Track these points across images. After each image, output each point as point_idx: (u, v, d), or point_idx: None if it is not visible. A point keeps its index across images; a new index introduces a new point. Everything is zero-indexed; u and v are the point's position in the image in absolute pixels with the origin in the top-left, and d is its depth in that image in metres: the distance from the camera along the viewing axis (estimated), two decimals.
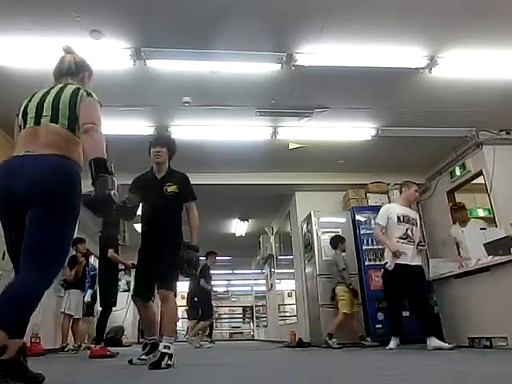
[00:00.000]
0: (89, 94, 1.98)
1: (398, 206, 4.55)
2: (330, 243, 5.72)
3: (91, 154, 1.80)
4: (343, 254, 5.64)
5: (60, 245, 1.81)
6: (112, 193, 1.74)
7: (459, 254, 5.24)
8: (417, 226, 4.46)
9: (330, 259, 5.68)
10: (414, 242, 4.34)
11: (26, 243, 1.74)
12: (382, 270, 4.50)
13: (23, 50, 3.53)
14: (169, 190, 3.03)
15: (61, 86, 2.02)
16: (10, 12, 3.18)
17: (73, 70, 2.15)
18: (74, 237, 6.23)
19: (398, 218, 4.38)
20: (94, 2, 3.14)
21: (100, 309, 4.86)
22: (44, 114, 1.89)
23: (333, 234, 5.98)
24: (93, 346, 4.48)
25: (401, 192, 4.66)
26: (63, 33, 3.34)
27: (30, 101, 1.98)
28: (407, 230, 4.36)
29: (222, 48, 3.66)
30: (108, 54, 3.62)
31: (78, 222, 1.88)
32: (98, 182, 1.75)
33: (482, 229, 4.82)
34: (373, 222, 6.07)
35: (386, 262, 4.36)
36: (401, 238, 4.32)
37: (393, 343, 4.24)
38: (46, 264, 1.74)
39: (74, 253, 6.05)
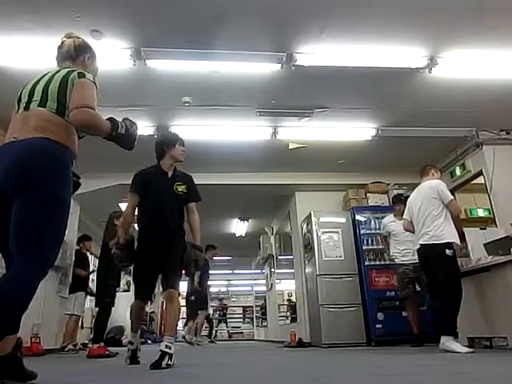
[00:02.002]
0: (81, 75, 1.90)
1: None
2: None
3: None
4: None
5: (48, 233, 1.70)
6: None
7: (388, 244, 5.11)
8: None
9: None
10: None
11: (11, 234, 1.67)
12: (449, 252, 3.73)
13: (23, 50, 3.53)
14: (179, 190, 3.07)
15: (56, 70, 1.98)
16: (10, 12, 3.18)
17: (72, 53, 2.10)
18: (81, 234, 6.34)
19: None
20: (94, 2, 3.14)
21: (97, 309, 4.87)
22: (34, 99, 1.85)
23: (333, 234, 5.99)
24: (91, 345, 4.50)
25: (426, 174, 4.21)
26: (63, 33, 3.29)
27: (24, 87, 1.95)
28: None
29: (222, 48, 3.67)
30: (108, 54, 3.61)
31: (75, 210, 1.82)
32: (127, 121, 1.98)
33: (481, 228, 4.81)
34: (373, 221, 6.09)
35: (451, 243, 3.76)
36: None
37: (463, 347, 3.50)
38: (33, 253, 1.66)
39: (79, 248, 6.16)
